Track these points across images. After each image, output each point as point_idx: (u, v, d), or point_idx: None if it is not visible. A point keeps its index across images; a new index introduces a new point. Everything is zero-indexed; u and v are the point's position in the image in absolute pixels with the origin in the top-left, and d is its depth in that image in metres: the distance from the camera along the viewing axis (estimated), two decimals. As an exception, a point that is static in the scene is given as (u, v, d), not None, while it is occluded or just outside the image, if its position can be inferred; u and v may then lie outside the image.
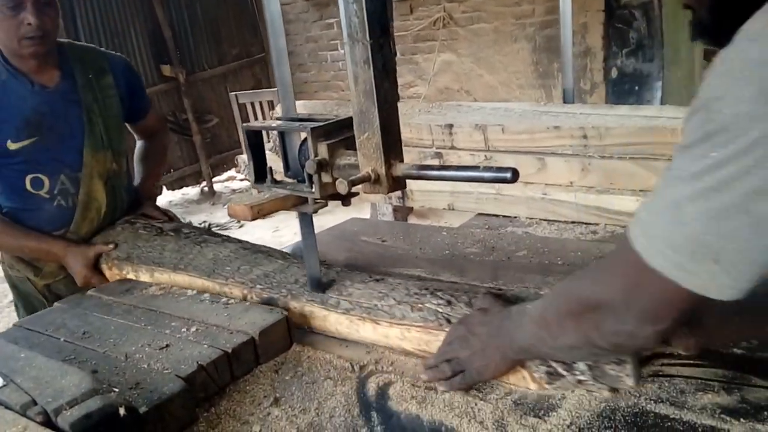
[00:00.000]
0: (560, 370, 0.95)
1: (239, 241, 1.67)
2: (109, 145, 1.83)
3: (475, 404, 0.97)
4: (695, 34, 0.84)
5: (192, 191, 7.29)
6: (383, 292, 1.21)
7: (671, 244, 0.68)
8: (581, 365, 0.93)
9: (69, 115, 1.77)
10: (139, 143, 2.15)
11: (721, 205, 0.64)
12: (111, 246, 1.74)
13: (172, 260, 1.56)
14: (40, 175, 1.74)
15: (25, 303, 1.91)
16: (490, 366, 0.99)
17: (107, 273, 1.74)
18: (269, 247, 1.62)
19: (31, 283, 1.87)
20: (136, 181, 2.07)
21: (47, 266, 1.84)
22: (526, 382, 0.98)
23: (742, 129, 0.61)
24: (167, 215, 1.96)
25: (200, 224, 5.82)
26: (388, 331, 1.16)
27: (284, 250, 1.88)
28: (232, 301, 1.31)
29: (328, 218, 2.39)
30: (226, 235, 1.75)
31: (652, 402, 0.90)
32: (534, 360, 0.97)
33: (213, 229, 5.76)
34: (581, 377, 0.94)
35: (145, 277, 1.61)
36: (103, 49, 1.97)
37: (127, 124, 2.00)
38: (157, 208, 1.99)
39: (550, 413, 0.91)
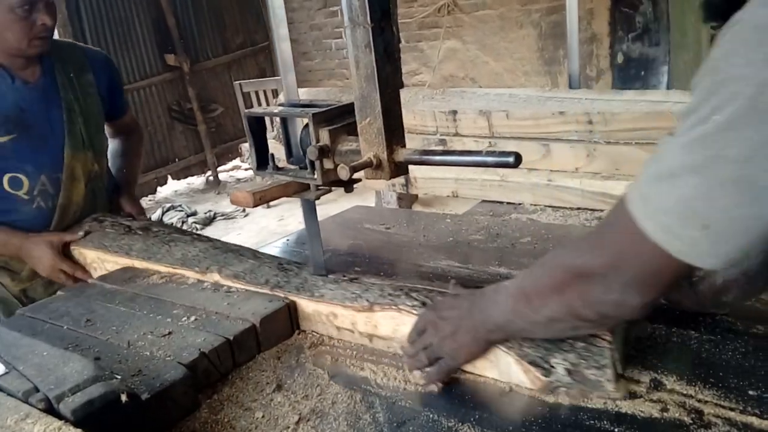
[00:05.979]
0: (540, 375, 0.91)
1: (209, 239, 1.59)
2: (90, 146, 1.79)
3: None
4: (707, 15, 0.82)
5: (197, 180, 7.30)
6: (356, 293, 1.17)
7: (664, 207, 0.68)
8: (560, 369, 0.90)
9: (49, 112, 1.71)
10: (115, 141, 2.07)
11: (717, 172, 0.63)
12: (80, 234, 1.67)
13: (140, 258, 1.53)
14: (19, 175, 1.67)
15: (2, 306, 1.81)
16: (462, 349, 0.96)
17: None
18: (240, 246, 1.53)
19: (5, 288, 1.79)
20: (115, 175, 2.02)
21: (24, 271, 1.77)
22: (519, 376, 0.94)
23: (746, 91, 0.60)
24: (142, 212, 1.95)
25: (206, 213, 5.83)
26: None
27: (288, 238, 1.89)
28: (234, 289, 1.31)
29: (333, 206, 2.39)
30: (197, 234, 1.68)
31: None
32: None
33: (218, 219, 5.78)
34: (562, 379, 0.90)
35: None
36: (81, 44, 1.93)
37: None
38: (134, 202, 1.96)
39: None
